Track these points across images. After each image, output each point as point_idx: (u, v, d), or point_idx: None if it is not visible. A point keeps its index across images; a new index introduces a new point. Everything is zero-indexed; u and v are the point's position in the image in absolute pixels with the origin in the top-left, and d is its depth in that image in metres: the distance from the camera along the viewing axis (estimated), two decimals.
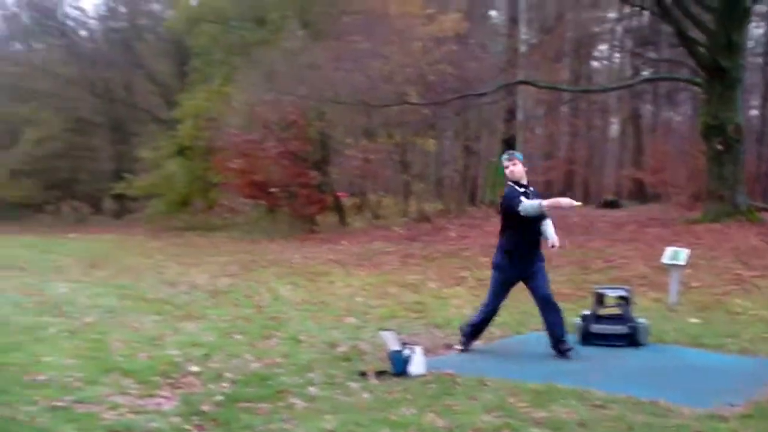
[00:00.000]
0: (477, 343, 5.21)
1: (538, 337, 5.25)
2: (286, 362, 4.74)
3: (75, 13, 28.53)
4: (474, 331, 5.14)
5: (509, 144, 16.38)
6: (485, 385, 4.04)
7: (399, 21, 14.64)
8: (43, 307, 7.45)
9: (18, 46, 32.08)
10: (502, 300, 5.09)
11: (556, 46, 18.72)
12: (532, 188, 5.05)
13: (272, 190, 16.79)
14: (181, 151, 20.66)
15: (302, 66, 15.67)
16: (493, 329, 5.60)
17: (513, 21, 16.94)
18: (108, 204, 28.57)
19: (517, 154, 5.23)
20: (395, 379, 4.21)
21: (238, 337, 5.70)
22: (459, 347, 5.17)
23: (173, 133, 20.80)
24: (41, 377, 4.29)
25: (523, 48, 16.48)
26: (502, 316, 5.75)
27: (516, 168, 5.01)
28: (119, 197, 26.11)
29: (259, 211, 19.40)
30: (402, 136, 16.14)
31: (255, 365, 4.68)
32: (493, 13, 20.82)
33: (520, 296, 5.56)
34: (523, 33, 16.74)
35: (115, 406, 3.64)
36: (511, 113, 16.50)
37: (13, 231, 25.38)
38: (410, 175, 16.97)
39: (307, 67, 15.51)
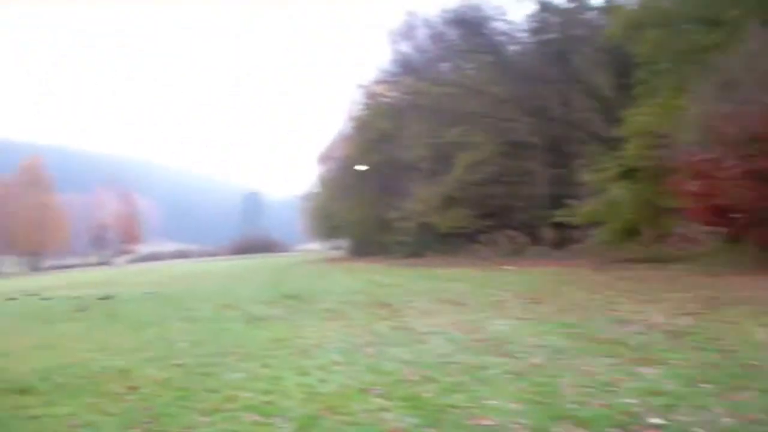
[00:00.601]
0: None
1: None
2: (767, 419, 5.22)
3: (505, 27, 35.18)
4: None
5: None
6: None
7: None
8: (483, 345, 9.15)
9: (446, 66, 40.26)
10: None
11: None
12: None
13: (735, 215, 19.01)
14: (627, 173, 24.15)
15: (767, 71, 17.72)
16: None
17: None
18: (546, 233, 33.38)
19: None
20: None
21: (705, 386, 6.29)
22: None
23: (617, 153, 24.35)
24: (486, 422, 5.28)
25: None
26: None
27: None
28: (558, 225, 30.74)
29: (720, 241, 21.54)
30: None
31: (727, 420, 5.19)
32: None
33: None
34: None
35: None
36: None
37: (444, 263, 31.74)
38: None
39: None
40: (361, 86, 49.94)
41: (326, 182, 61.40)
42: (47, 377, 8.93)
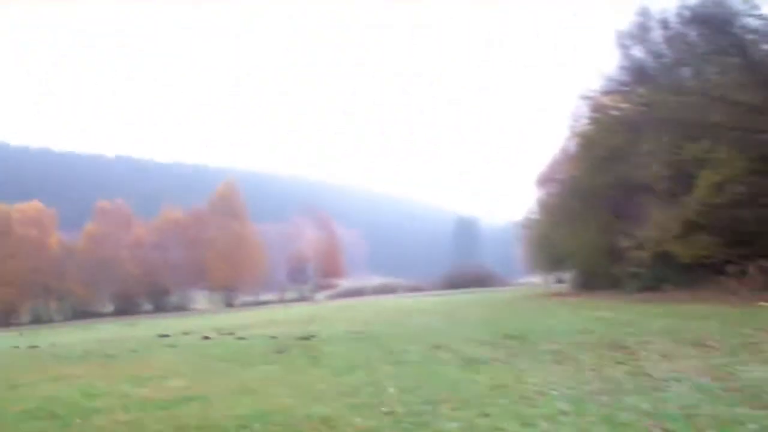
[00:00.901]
0: None
1: None
2: None
3: (755, 24, 34.15)
4: None
5: None
6: None
7: None
8: (737, 394, 9.26)
9: (685, 71, 39.75)
10: None
11: None
12: None
13: None
14: None
15: None
16: None
17: None
18: None
19: None
20: None
21: None
22: None
23: None
24: None
25: None
26: None
27: None
28: None
29: None
30: None
31: None
32: None
33: None
34: None
35: None
36: None
37: (686, 298, 31.50)
38: None
39: None
40: (586, 98, 49.52)
41: (547, 207, 61.49)
42: (246, 425, 9.66)
